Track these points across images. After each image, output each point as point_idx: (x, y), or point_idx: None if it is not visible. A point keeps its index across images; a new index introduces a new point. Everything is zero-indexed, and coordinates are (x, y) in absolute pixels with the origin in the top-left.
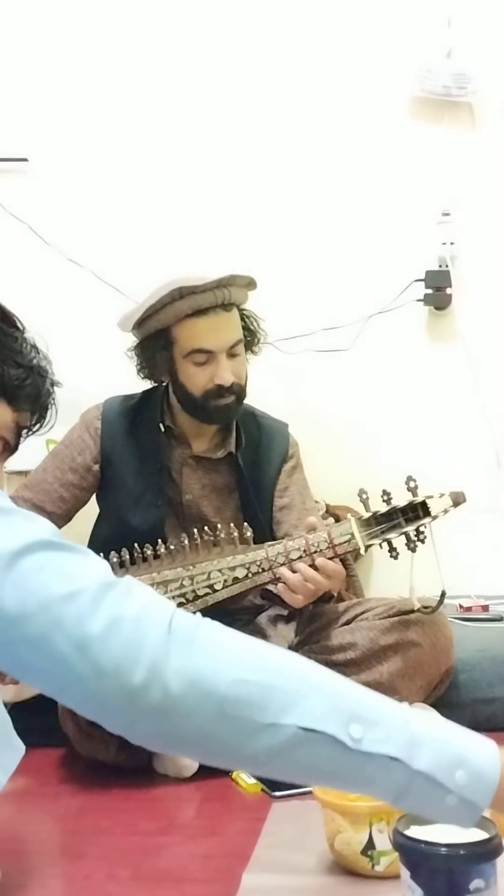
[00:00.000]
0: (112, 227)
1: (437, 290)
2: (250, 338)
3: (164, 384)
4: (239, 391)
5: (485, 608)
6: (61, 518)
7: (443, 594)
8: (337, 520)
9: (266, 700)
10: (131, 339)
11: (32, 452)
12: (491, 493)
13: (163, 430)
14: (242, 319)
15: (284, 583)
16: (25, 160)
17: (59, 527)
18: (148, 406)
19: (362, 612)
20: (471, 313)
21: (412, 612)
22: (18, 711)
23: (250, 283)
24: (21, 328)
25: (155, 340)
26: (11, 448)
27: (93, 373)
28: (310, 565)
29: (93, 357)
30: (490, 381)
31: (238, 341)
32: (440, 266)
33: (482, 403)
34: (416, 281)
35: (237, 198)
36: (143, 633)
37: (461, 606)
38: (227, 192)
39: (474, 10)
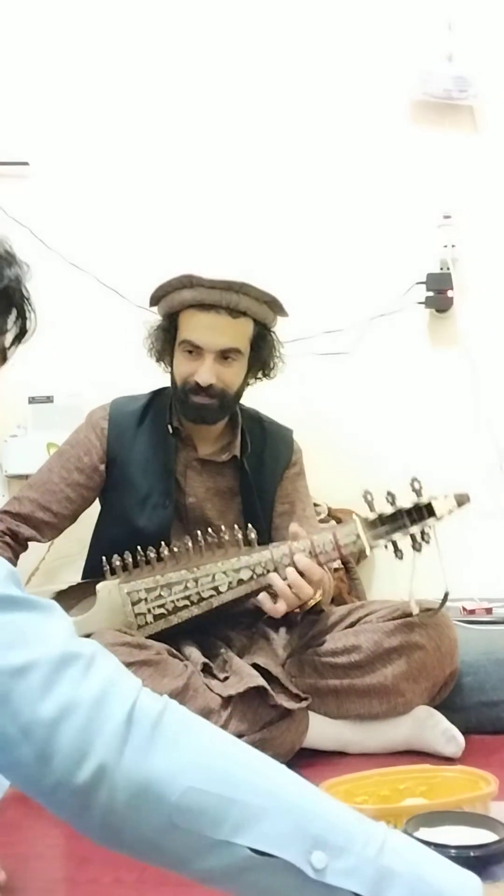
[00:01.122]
0: (114, 230)
1: (439, 292)
2: (263, 359)
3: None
4: (221, 396)
5: (488, 611)
6: (67, 518)
7: (445, 596)
8: (339, 523)
9: (221, 814)
10: (135, 341)
11: (35, 456)
12: (493, 496)
13: (171, 431)
14: (260, 339)
15: (271, 589)
16: (26, 164)
17: (65, 527)
18: (156, 407)
19: (366, 615)
20: (472, 316)
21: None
22: None
23: (273, 303)
24: None
25: (165, 322)
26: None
27: (95, 377)
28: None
29: (95, 362)
30: (492, 384)
31: (233, 349)
32: (441, 269)
33: (484, 406)
34: (418, 284)
35: (239, 202)
36: (99, 723)
37: (465, 609)
38: (229, 195)
39: (475, 13)
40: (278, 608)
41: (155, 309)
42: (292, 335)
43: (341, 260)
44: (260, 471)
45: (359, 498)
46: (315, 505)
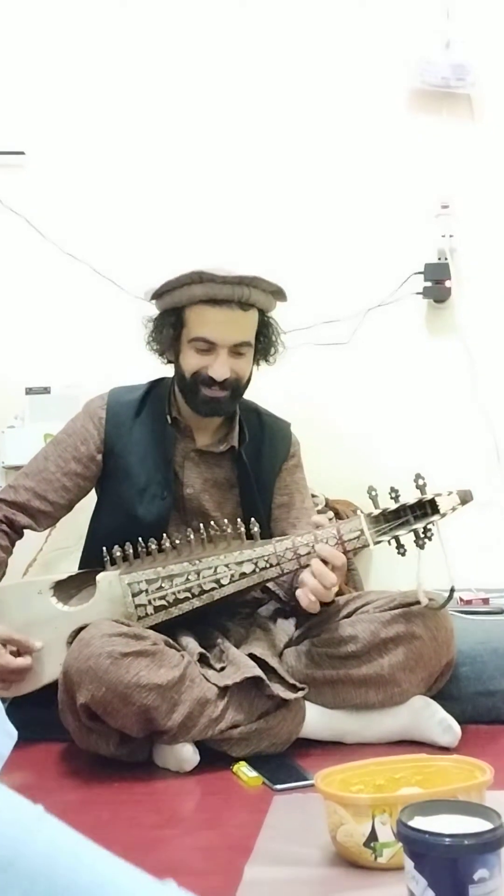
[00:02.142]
0: (110, 220)
1: (437, 282)
2: (266, 346)
3: (171, 366)
4: (234, 388)
5: (485, 601)
6: (63, 508)
7: (451, 590)
8: (336, 513)
9: None
10: (132, 331)
11: (32, 447)
12: (491, 486)
13: (170, 421)
14: (264, 326)
15: (305, 588)
16: (22, 153)
17: (61, 516)
18: (155, 397)
19: (363, 605)
20: (470, 306)
21: (413, 604)
22: (18, 705)
23: (278, 292)
24: None
25: (168, 317)
26: None
27: (91, 367)
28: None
29: (91, 351)
30: (489, 374)
31: (245, 343)
32: (439, 259)
33: (481, 396)
34: (416, 274)
35: (236, 191)
36: None
37: (462, 599)
38: (226, 185)
39: (473, 1)
40: (312, 601)
41: (150, 301)
42: (291, 325)
43: (339, 250)
44: (258, 462)
45: (356, 488)
46: (313, 496)
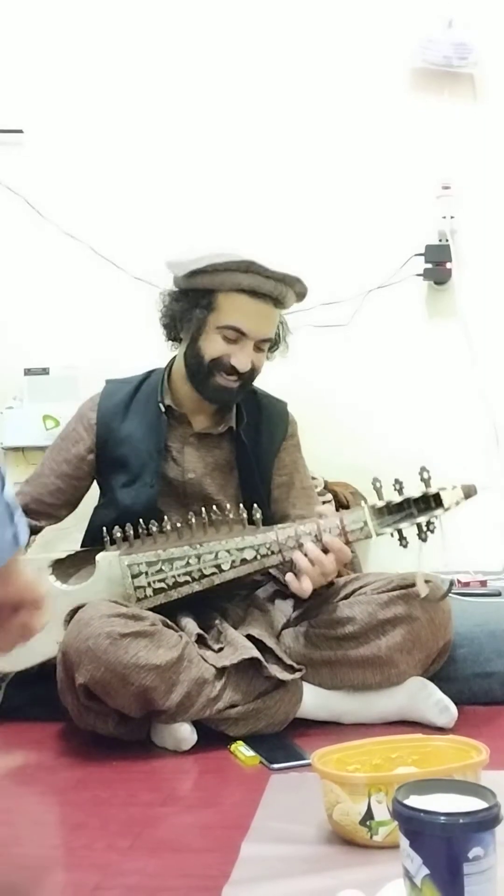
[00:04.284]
0: (109, 200)
1: (437, 264)
2: (276, 343)
3: (170, 347)
4: (248, 379)
5: (483, 583)
6: (61, 507)
7: (451, 584)
8: (335, 495)
9: None
10: (131, 312)
11: (31, 428)
12: (489, 470)
13: (163, 410)
14: (279, 325)
15: (295, 568)
16: (21, 132)
17: (62, 514)
18: (147, 387)
19: (361, 587)
20: (471, 288)
21: (411, 586)
22: (18, 684)
23: (301, 294)
24: None
25: (198, 297)
26: None
27: (89, 348)
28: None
29: (90, 332)
30: (489, 357)
31: (269, 339)
32: (440, 240)
33: (481, 379)
34: (416, 255)
35: (237, 171)
36: None
37: (460, 582)
38: (227, 166)
39: None
40: (304, 587)
41: (148, 278)
42: (290, 307)
43: (340, 231)
44: (257, 442)
45: (355, 471)
46: (312, 478)
